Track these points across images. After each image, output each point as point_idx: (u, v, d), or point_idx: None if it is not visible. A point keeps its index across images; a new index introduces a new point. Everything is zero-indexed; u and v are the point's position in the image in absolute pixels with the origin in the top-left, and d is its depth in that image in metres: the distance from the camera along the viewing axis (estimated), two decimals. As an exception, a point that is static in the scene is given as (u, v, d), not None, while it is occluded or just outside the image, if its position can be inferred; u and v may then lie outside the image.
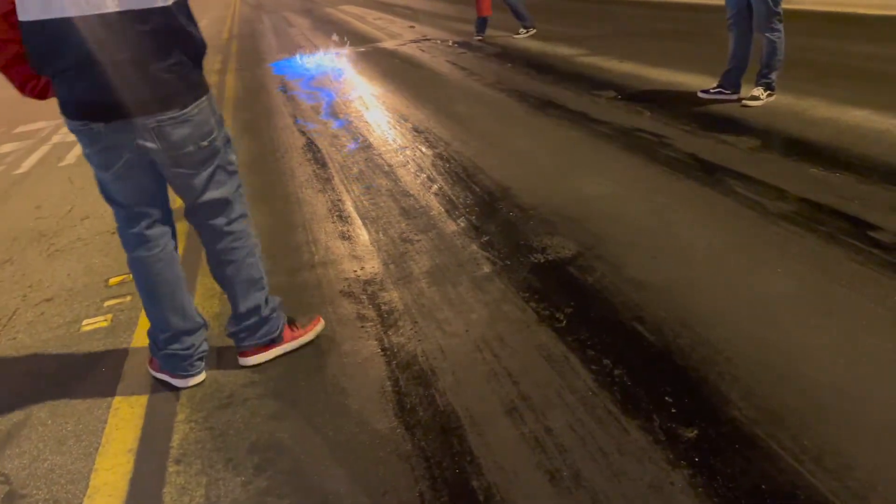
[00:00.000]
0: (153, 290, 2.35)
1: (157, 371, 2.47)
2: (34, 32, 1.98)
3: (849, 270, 2.64)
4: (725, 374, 2.14)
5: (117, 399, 2.43)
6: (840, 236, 2.91)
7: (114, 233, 3.93)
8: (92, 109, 2.10)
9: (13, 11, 1.96)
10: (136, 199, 2.27)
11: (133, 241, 2.31)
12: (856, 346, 2.21)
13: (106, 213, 4.31)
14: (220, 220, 2.36)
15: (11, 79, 2.15)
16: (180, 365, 2.41)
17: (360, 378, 2.35)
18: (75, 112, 2.12)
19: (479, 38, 9.61)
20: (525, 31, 9.46)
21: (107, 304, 3.15)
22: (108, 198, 2.29)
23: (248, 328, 2.47)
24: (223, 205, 2.34)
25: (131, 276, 2.40)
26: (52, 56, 2.01)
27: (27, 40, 2.00)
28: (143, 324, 2.90)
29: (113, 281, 3.38)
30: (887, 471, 1.71)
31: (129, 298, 3.16)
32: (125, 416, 2.34)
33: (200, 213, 2.35)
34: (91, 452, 2.18)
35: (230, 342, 2.56)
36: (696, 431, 1.93)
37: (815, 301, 2.48)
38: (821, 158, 3.80)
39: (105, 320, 3.00)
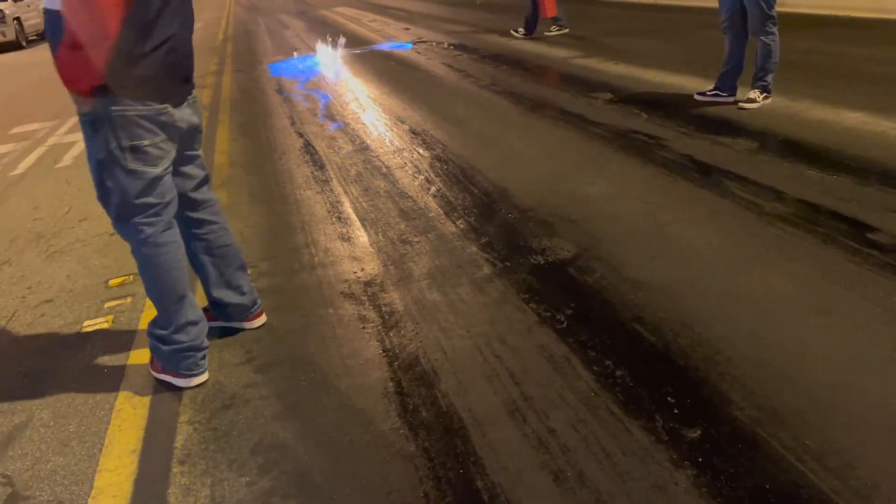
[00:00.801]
0: (177, 277, 2.35)
1: (160, 373, 2.48)
2: (143, 4, 2.04)
3: (847, 271, 2.67)
4: (726, 374, 2.16)
5: (120, 400, 2.43)
6: (838, 237, 2.93)
7: (113, 234, 3.94)
8: (176, 89, 2.21)
9: None
10: (171, 190, 2.31)
11: (161, 229, 2.30)
12: (855, 346, 2.22)
13: (104, 214, 4.29)
14: (214, 200, 2.58)
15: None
16: (184, 363, 2.41)
17: (363, 379, 2.35)
18: (159, 94, 2.15)
19: (556, 29, 9.51)
20: (518, 33, 9.54)
21: (107, 305, 3.15)
22: (139, 203, 2.23)
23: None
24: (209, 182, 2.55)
25: (140, 273, 2.37)
26: (156, 27, 2.09)
27: (136, 14, 2.03)
28: (145, 325, 2.91)
29: (113, 282, 3.37)
30: (889, 469, 1.73)
31: (129, 300, 3.16)
32: (128, 416, 2.33)
33: (205, 194, 2.51)
34: (94, 453, 2.18)
35: (229, 344, 2.56)
36: (698, 431, 1.94)
37: (814, 301, 2.50)
38: (817, 160, 3.83)
39: (106, 321, 3.00)
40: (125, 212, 2.25)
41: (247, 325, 2.73)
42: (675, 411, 2.03)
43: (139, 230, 2.27)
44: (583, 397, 2.15)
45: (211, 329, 2.63)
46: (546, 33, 9.32)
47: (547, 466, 1.88)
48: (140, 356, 2.68)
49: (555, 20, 9.42)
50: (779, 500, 1.68)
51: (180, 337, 2.38)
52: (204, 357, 2.46)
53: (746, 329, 2.38)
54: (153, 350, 2.48)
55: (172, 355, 2.42)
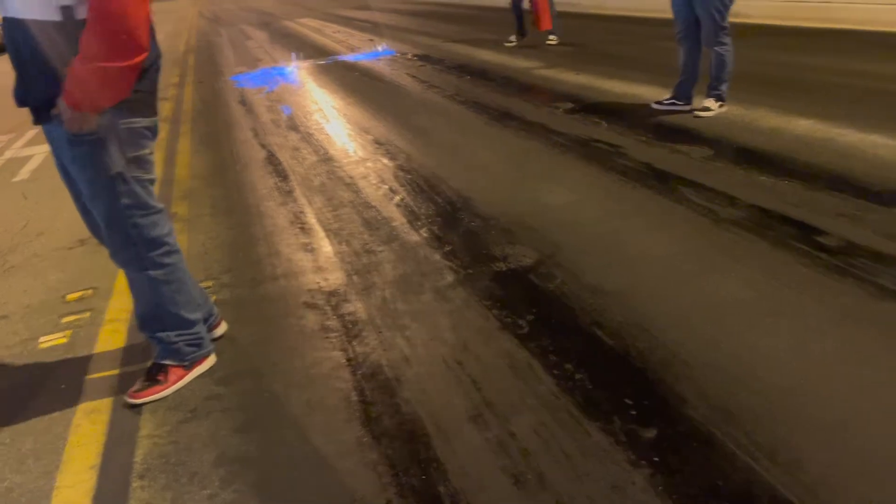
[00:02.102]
0: (188, 278, 2.48)
1: (144, 396, 2.42)
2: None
3: (797, 274, 2.75)
4: (681, 376, 2.21)
5: (78, 416, 2.39)
6: (788, 241, 3.02)
7: (71, 248, 3.89)
8: (157, 100, 2.27)
9: None
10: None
11: (173, 236, 2.40)
12: (804, 347, 2.30)
13: (62, 227, 4.26)
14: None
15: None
16: (189, 350, 2.48)
17: (326, 389, 2.36)
18: (153, 107, 2.23)
19: (554, 39, 9.60)
20: (514, 41, 9.71)
21: (64, 320, 3.10)
22: (151, 205, 2.29)
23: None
24: None
25: (163, 291, 2.38)
26: (154, 42, 2.14)
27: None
28: (103, 339, 2.87)
29: (70, 297, 3.32)
30: (836, 465, 1.79)
31: (87, 314, 3.11)
32: (86, 432, 2.30)
33: None
34: (52, 470, 2.14)
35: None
36: (655, 432, 1.98)
37: (766, 304, 2.58)
38: (770, 166, 3.94)
39: (63, 336, 2.95)
40: (147, 228, 2.28)
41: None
42: (633, 412, 2.07)
43: (164, 242, 2.34)
44: (543, 401, 2.18)
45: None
46: (547, 43, 9.44)
47: (508, 470, 1.90)
48: (99, 371, 2.64)
49: (549, 32, 9.56)
50: (732, 496, 1.73)
51: (196, 329, 2.50)
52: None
53: (701, 332, 2.44)
54: (162, 350, 2.46)
55: (179, 349, 2.45)
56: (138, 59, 2.01)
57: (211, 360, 2.56)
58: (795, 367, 2.20)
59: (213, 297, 2.96)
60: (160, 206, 2.34)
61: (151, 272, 2.33)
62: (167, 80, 9.97)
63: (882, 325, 2.36)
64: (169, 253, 2.36)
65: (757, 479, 1.77)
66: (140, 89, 2.13)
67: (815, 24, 8.71)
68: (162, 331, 2.42)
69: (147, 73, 2.15)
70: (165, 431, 2.25)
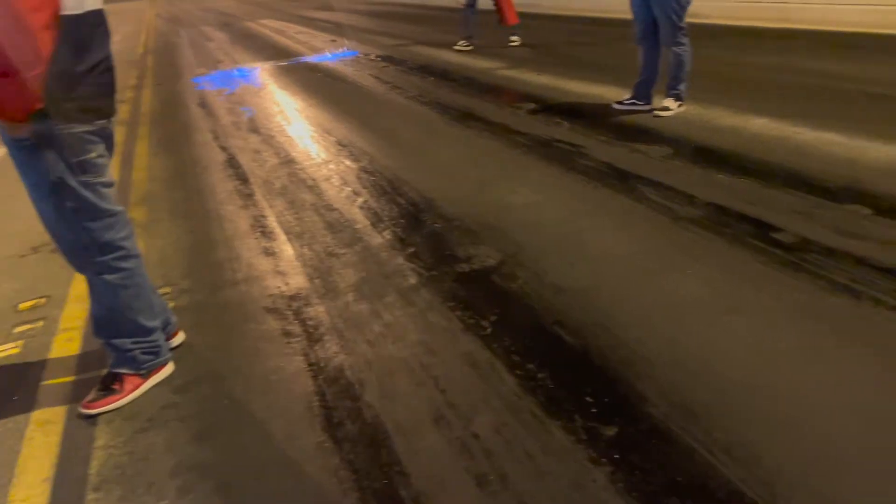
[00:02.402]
0: (146, 284, 2.42)
1: (100, 406, 2.37)
2: (75, 25, 2.00)
3: (753, 270, 2.80)
4: (642, 374, 2.23)
5: (31, 427, 2.33)
6: (745, 238, 3.08)
7: (23, 256, 3.79)
8: (112, 105, 2.20)
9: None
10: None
11: (131, 240, 2.34)
12: (760, 342, 2.34)
13: (14, 235, 4.14)
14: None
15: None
16: (145, 358, 2.42)
17: (287, 394, 2.33)
18: (99, 112, 2.16)
19: (516, 41, 9.58)
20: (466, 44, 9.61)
21: (17, 330, 3.01)
22: (103, 209, 2.22)
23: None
24: None
25: (120, 295, 2.32)
26: (92, 47, 2.07)
27: (69, 34, 1.98)
28: (57, 349, 2.80)
29: (23, 306, 3.23)
30: (791, 458, 1.82)
31: (40, 324, 3.03)
32: (40, 444, 2.24)
33: None
34: (4, 484, 2.08)
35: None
36: (615, 429, 2.00)
37: (724, 301, 2.62)
38: (727, 165, 4.01)
39: (16, 347, 2.86)
40: (99, 231, 2.21)
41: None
42: (594, 410, 2.09)
43: (119, 247, 2.27)
44: (506, 401, 2.18)
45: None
46: (510, 43, 9.44)
47: (470, 471, 1.90)
48: (52, 381, 2.57)
49: (514, 29, 9.54)
50: (690, 491, 1.75)
51: (154, 337, 2.44)
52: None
53: (661, 330, 2.47)
54: (121, 359, 2.40)
55: (136, 357, 2.40)
56: (36, 70, 1.94)
57: (168, 369, 2.51)
58: (752, 362, 2.24)
59: (171, 304, 2.90)
60: (116, 209, 2.27)
61: (107, 276, 2.27)
62: (124, 82, 9.77)
63: (834, 320, 2.41)
64: (126, 257, 2.30)
65: (715, 474, 1.80)
66: (78, 96, 2.06)
67: (770, 23, 8.90)
68: (117, 337, 2.37)
69: (86, 78, 2.07)
70: (121, 442, 2.21)
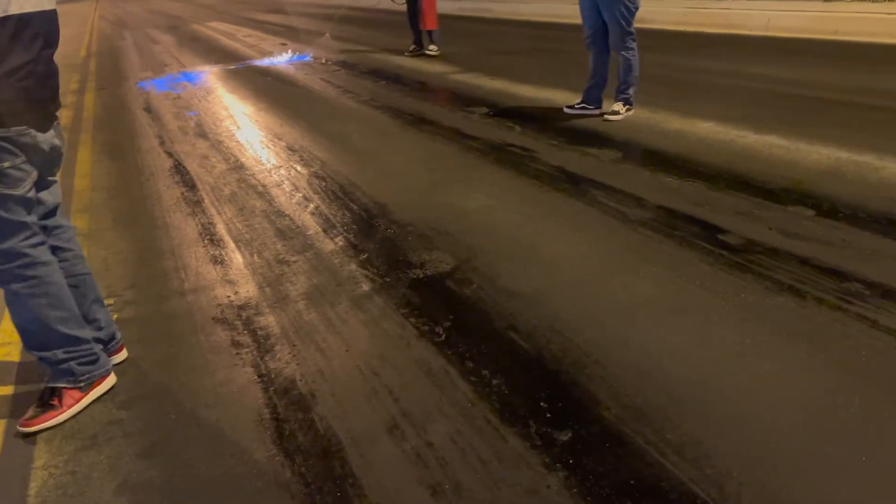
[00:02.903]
0: (64, 293, 2.31)
1: (39, 423, 2.27)
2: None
3: (701, 271, 2.85)
4: (594, 376, 2.25)
5: (-37, 450, 2.22)
6: (693, 240, 3.13)
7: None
8: (39, 112, 2.13)
9: None
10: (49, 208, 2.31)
11: (40, 248, 2.23)
12: (708, 341, 2.38)
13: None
14: (68, 227, 2.47)
15: None
16: (82, 369, 2.33)
17: (236, 407, 2.27)
18: (17, 118, 2.06)
19: (418, 51, 9.39)
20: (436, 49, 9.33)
21: (-51, 346, 2.88)
22: (15, 221, 2.14)
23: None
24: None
25: (24, 305, 2.21)
26: (11, 53, 2.01)
27: None
28: (-7, 366, 2.69)
29: (-44, 321, 3.09)
30: (739, 457, 1.86)
31: (-25, 339, 2.90)
32: (-27, 468, 2.14)
33: (56, 221, 2.39)
34: (-67, 512, 1.98)
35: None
36: (569, 434, 2.01)
37: (672, 301, 2.66)
38: (674, 168, 4.08)
39: (-53, 365, 2.74)
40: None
41: None
42: (548, 415, 2.09)
43: (22, 254, 2.16)
44: (460, 408, 2.17)
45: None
46: (427, 52, 9.27)
47: (425, 481, 1.88)
48: (-12, 400, 2.46)
49: (429, 34, 9.41)
50: (643, 493, 1.77)
51: (86, 347, 2.35)
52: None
53: (612, 332, 2.49)
54: (57, 372, 2.31)
55: (81, 361, 2.32)
56: None
57: (111, 381, 2.43)
58: (699, 362, 2.28)
59: (115, 316, 2.81)
60: (25, 219, 2.16)
61: (13, 285, 2.18)
62: (65, 86, 9.48)
63: (779, 319, 2.46)
64: (31, 265, 2.18)
65: (667, 475, 1.82)
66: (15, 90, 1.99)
67: (715, 29, 9.12)
68: (46, 349, 2.27)
69: (22, 71, 2.01)
70: (62, 461, 2.12)
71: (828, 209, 3.31)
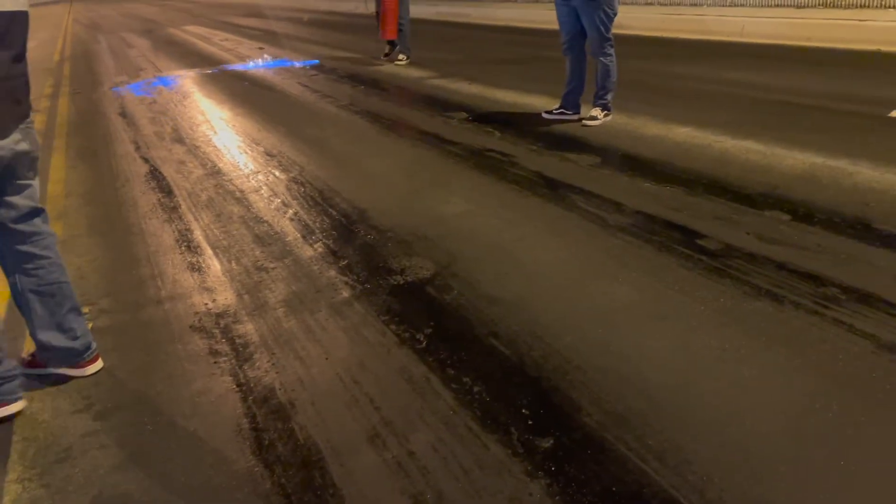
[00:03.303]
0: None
1: None
2: None
3: (680, 276, 2.87)
4: (575, 382, 2.25)
5: (-68, 465, 2.16)
6: (672, 245, 3.15)
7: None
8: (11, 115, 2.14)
9: None
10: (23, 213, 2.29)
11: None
12: (688, 347, 2.39)
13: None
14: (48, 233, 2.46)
15: None
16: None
17: (214, 417, 2.24)
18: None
19: (404, 59, 9.14)
20: (405, 58, 9.17)
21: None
22: None
23: None
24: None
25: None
26: None
27: None
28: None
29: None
30: (720, 462, 1.86)
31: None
32: (-58, 483, 2.08)
33: (34, 226, 2.39)
34: None
35: (63, 391, 2.38)
36: (551, 441, 2.00)
37: (652, 307, 2.67)
38: (653, 173, 4.11)
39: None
40: None
41: (77, 372, 2.49)
42: (530, 422, 2.09)
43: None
44: (442, 417, 2.16)
45: (40, 377, 2.43)
46: (396, 63, 9.12)
47: (407, 491, 1.87)
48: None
49: (393, 44, 9.25)
50: (625, 500, 1.77)
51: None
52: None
53: (593, 337, 2.49)
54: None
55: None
56: None
57: (16, 407, 2.34)
58: (680, 367, 2.29)
59: (90, 324, 2.76)
60: None
61: None
62: (39, 90, 9.34)
63: (756, 324, 2.48)
64: None
65: (648, 481, 1.82)
66: None
67: (691, 35, 9.22)
68: None
69: None
70: (36, 474, 2.07)
71: (803, 214, 3.35)
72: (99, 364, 2.56)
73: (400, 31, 9.06)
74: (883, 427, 1.94)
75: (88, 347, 2.51)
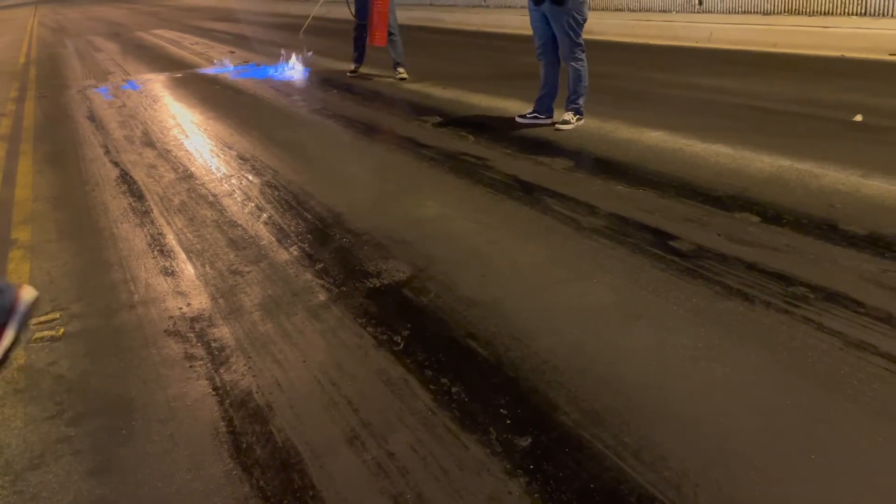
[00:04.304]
0: None
1: None
2: None
3: (653, 277, 2.91)
4: (553, 382, 2.27)
5: None
6: (645, 247, 3.20)
7: None
8: None
9: None
10: None
11: None
12: (662, 346, 2.43)
13: None
14: None
15: None
16: None
17: (190, 422, 2.22)
18: None
19: (402, 72, 8.05)
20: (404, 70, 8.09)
21: None
22: None
23: None
24: None
25: None
26: None
27: None
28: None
29: None
30: (695, 458, 1.89)
31: None
32: None
33: None
34: None
35: (35, 398, 2.33)
36: (529, 440, 2.02)
37: (626, 307, 2.71)
38: (625, 176, 4.16)
39: None
40: None
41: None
42: (508, 422, 2.10)
43: None
44: (421, 417, 2.16)
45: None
46: (399, 77, 8.01)
47: (387, 491, 1.87)
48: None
49: (361, 61, 8.41)
50: (603, 497, 1.79)
51: None
52: None
53: (569, 338, 2.52)
54: None
55: None
56: None
57: None
58: (654, 366, 2.32)
59: (62, 330, 2.72)
60: None
61: None
62: (4, 94, 9.18)
63: (729, 323, 2.53)
64: None
65: (625, 478, 1.84)
66: None
67: (661, 41, 9.36)
68: None
69: None
70: (8, 481, 2.04)
71: (772, 215, 3.42)
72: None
73: (392, 40, 7.96)
74: (851, 421, 1.99)
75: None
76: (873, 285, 2.68)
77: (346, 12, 8.42)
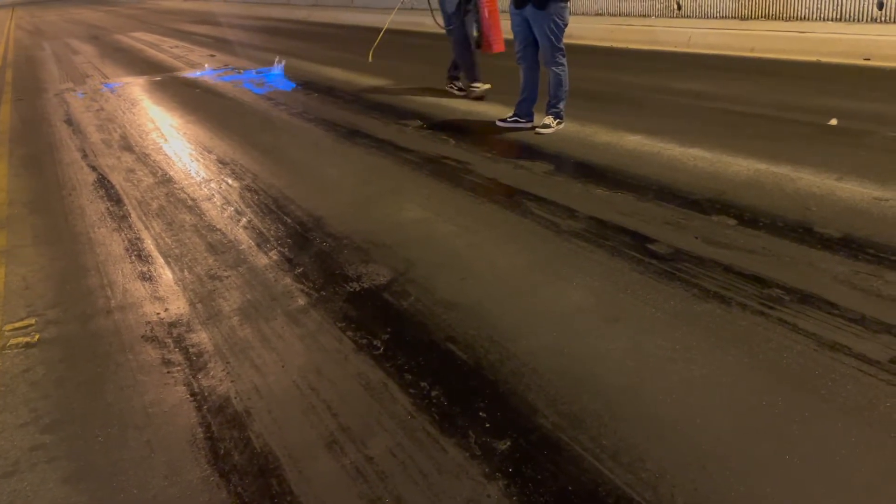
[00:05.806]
0: None
1: None
2: None
3: (632, 279, 2.93)
4: (532, 385, 2.28)
5: None
6: (623, 249, 3.22)
7: None
8: None
9: None
10: None
11: None
12: (640, 348, 2.45)
13: None
14: None
15: None
16: None
17: (167, 428, 2.20)
18: None
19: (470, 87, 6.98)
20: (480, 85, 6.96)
21: None
22: None
23: None
24: None
25: None
26: None
27: None
28: None
29: None
30: (672, 459, 1.91)
31: None
32: None
33: None
34: None
35: (10, 405, 2.30)
36: (508, 443, 2.02)
37: (605, 310, 2.72)
38: (604, 180, 4.19)
39: None
40: None
41: None
42: (487, 425, 2.11)
43: None
44: (400, 421, 2.16)
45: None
46: (474, 89, 6.92)
47: (365, 496, 1.87)
48: None
49: (457, 73, 7.12)
50: (581, 499, 1.80)
51: None
52: None
53: (548, 341, 2.53)
54: None
55: None
56: None
57: None
58: (633, 367, 2.34)
59: (37, 336, 2.69)
60: None
61: None
62: (-20, 96, 9.05)
63: (706, 325, 2.55)
64: None
65: (603, 480, 1.85)
66: None
67: (641, 45, 9.42)
68: None
69: None
70: (-20, 491, 2.01)
71: (749, 218, 3.46)
72: None
73: (469, 51, 6.89)
74: (826, 421, 2.01)
75: None
76: (847, 287, 2.72)
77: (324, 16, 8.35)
